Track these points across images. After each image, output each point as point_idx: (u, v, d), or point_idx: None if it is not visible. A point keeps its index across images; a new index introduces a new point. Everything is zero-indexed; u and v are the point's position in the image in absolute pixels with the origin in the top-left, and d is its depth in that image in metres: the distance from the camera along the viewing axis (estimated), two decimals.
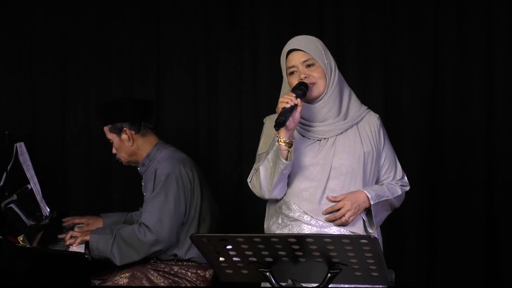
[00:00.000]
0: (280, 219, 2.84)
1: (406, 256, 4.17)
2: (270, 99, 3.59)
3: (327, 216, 2.79)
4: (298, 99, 2.70)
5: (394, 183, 2.93)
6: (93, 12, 4.32)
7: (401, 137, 4.13)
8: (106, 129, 3.51)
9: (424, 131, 4.19)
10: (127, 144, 3.48)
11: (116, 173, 4.28)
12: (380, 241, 2.85)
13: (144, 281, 3.36)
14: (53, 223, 3.52)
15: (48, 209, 3.50)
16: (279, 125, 2.66)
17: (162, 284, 3.39)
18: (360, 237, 2.25)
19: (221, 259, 2.29)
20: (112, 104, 3.61)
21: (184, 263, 3.44)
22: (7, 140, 3.35)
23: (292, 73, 2.83)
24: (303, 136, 2.84)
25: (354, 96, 2.91)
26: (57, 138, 4.34)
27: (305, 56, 2.81)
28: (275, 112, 2.76)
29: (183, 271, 3.43)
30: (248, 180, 2.87)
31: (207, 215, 3.50)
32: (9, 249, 3.00)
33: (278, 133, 2.72)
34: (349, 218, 2.78)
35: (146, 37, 4.32)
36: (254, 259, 2.26)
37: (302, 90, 2.74)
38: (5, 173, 3.25)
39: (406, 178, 2.98)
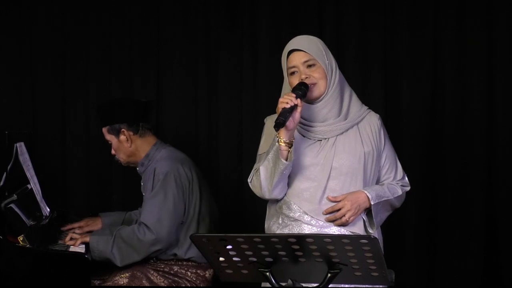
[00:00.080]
0: (280, 219, 2.84)
1: (406, 256, 4.16)
2: (270, 99, 3.58)
3: (327, 216, 2.79)
4: (298, 100, 2.69)
5: (394, 183, 2.93)
6: (93, 12, 4.32)
7: (401, 137, 4.12)
8: (104, 130, 3.51)
9: (424, 131, 4.18)
10: (126, 145, 3.48)
11: (116, 173, 4.28)
12: (380, 241, 2.85)
13: (144, 281, 3.36)
14: (53, 223, 3.52)
15: (48, 209, 3.50)
16: (278, 125, 2.66)
17: (162, 284, 3.39)
18: (360, 237, 2.25)
19: (221, 259, 2.29)
20: (109, 105, 3.60)
21: (184, 262, 3.44)
22: (7, 140, 3.35)
23: (293, 73, 2.82)
24: (304, 136, 2.84)
25: (355, 96, 2.91)
26: (57, 138, 4.34)
27: (306, 57, 2.81)
28: (275, 112, 2.76)
29: (183, 271, 3.43)
30: (249, 180, 2.87)
31: (206, 215, 3.50)
32: (9, 249, 3.00)
33: (278, 133, 2.72)
34: (349, 218, 2.77)
35: (146, 37, 4.32)
36: (254, 259, 2.26)
37: (302, 90, 2.73)
38: (5, 173, 3.25)
39: (406, 178, 2.98)
